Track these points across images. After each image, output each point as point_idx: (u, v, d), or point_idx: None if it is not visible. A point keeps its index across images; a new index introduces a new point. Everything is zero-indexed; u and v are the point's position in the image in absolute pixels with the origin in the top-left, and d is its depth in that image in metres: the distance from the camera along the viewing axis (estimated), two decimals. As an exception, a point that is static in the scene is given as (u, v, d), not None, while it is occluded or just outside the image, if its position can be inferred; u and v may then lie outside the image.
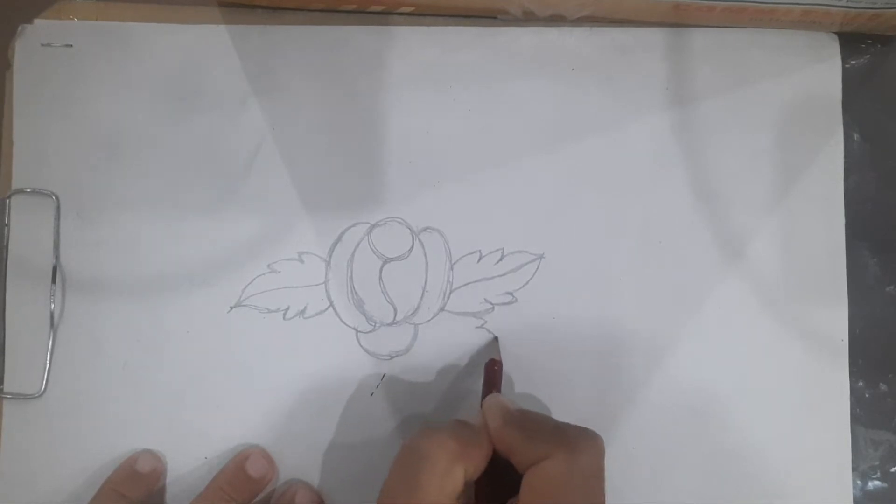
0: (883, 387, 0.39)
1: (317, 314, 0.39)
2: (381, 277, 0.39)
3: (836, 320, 0.39)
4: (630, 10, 0.39)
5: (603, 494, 0.31)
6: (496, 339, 0.39)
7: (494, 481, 0.32)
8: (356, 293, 0.39)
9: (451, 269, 0.39)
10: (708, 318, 0.39)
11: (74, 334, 0.39)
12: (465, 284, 0.39)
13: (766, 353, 0.39)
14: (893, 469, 0.39)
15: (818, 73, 0.40)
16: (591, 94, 0.40)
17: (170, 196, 0.39)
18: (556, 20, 0.40)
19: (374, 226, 0.39)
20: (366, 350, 0.39)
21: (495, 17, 0.40)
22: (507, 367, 0.38)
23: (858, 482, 0.39)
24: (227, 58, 0.40)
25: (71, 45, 0.39)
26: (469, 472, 0.31)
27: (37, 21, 0.39)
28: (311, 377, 0.38)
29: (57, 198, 0.39)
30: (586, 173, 0.40)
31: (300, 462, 0.38)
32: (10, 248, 0.39)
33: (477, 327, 0.39)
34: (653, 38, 0.40)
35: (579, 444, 0.31)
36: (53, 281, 0.38)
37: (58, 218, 0.39)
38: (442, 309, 0.39)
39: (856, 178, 0.40)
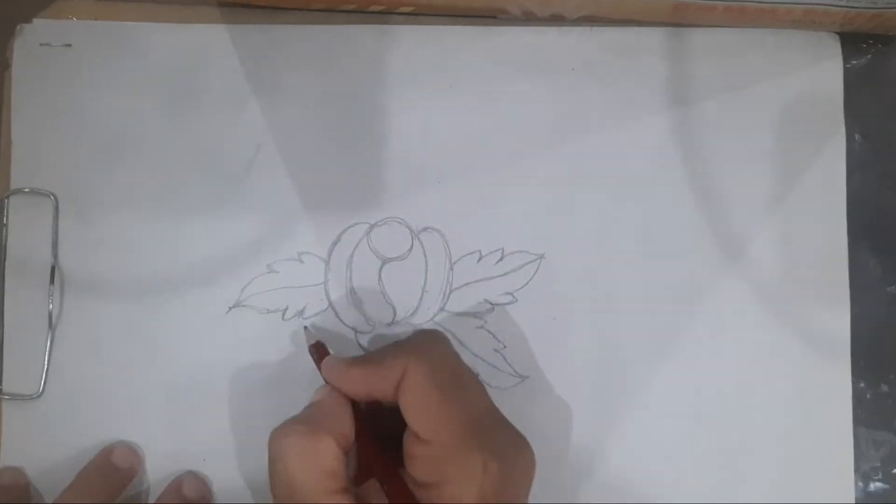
0: (885, 387, 0.39)
1: (316, 314, 0.39)
2: (380, 277, 0.39)
3: (837, 321, 0.39)
4: (630, 10, 0.39)
5: (471, 383, 0.33)
6: (305, 327, 0.38)
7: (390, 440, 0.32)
8: (355, 293, 0.39)
9: (451, 269, 0.39)
10: (708, 319, 0.39)
11: (73, 334, 0.38)
12: (464, 284, 0.39)
13: (767, 353, 0.39)
14: (895, 470, 0.39)
15: (819, 73, 0.40)
16: (591, 93, 0.40)
17: (170, 196, 0.39)
18: (555, 20, 0.40)
19: (373, 226, 0.39)
20: (365, 350, 0.39)
21: (495, 17, 0.40)
22: (508, 368, 0.39)
23: (860, 483, 0.38)
24: (227, 58, 0.40)
25: (70, 45, 0.39)
26: (340, 439, 0.31)
27: (36, 21, 0.39)
28: (311, 377, 0.38)
29: (55, 198, 0.39)
30: (586, 173, 0.40)
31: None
32: (8, 248, 0.39)
33: (477, 327, 0.39)
34: (653, 38, 0.40)
35: (422, 344, 0.33)
36: (52, 281, 0.38)
37: (56, 218, 0.39)
38: (441, 309, 0.39)
39: (857, 178, 0.40)
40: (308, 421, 0.32)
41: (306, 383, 0.38)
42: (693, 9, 0.38)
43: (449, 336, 0.39)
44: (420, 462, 0.31)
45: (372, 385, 0.32)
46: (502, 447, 0.31)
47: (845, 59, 0.40)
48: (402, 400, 0.31)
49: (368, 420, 0.33)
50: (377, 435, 0.33)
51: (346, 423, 0.32)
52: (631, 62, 0.40)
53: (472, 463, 0.30)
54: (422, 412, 0.31)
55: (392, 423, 0.32)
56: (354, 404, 0.33)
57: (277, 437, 0.31)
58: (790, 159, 0.40)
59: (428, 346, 0.33)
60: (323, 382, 0.35)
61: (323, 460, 0.31)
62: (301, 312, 0.39)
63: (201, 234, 0.39)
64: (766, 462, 0.38)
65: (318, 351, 0.36)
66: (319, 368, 0.35)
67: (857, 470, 0.38)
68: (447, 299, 0.39)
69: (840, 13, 0.38)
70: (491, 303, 0.39)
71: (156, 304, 0.39)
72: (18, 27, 0.39)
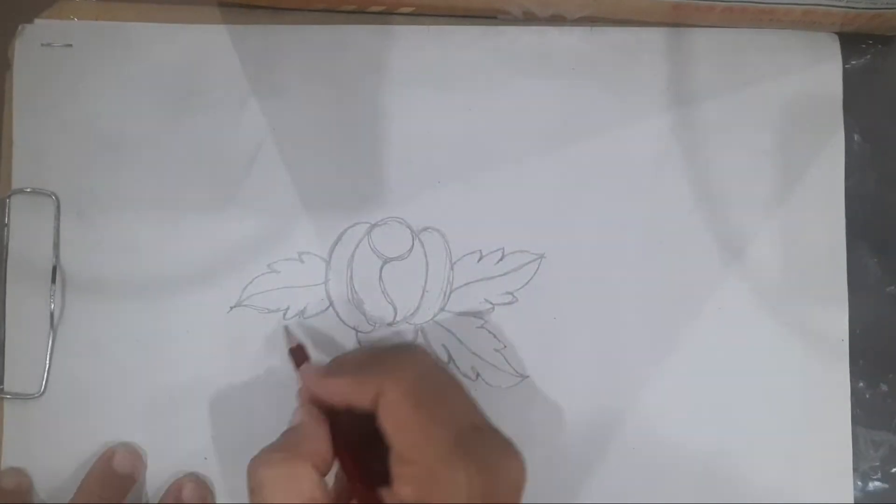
0: (883, 387, 0.39)
1: (317, 314, 0.39)
2: (381, 277, 0.39)
3: (836, 320, 0.39)
4: (630, 10, 0.39)
5: (453, 394, 0.33)
6: (285, 327, 0.38)
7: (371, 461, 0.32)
8: (356, 293, 0.39)
9: (452, 269, 0.39)
10: (708, 318, 0.39)
11: (74, 334, 0.39)
12: (465, 284, 0.39)
13: (766, 353, 0.39)
14: (894, 470, 0.39)
15: (819, 73, 0.40)
16: (592, 93, 0.40)
17: (170, 196, 0.39)
18: (556, 20, 0.40)
19: (374, 226, 0.39)
20: (366, 350, 0.39)
21: (495, 17, 0.40)
22: (508, 367, 0.39)
23: (859, 483, 0.39)
24: (227, 58, 0.40)
25: (71, 45, 0.39)
26: (319, 463, 0.31)
27: (37, 21, 0.39)
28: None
29: (57, 198, 0.39)
30: (587, 173, 0.40)
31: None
32: (9, 248, 0.39)
33: (477, 327, 0.39)
34: (653, 38, 0.40)
35: (398, 361, 0.33)
36: (53, 281, 0.38)
37: (58, 218, 0.39)
38: (442, 309, 0.39)
39: (856, 178, 0.40)
40: (285, 448, 0.32)
41: (307, 383, 0.38)
42: (693, 9, 0.38)
43: (449, 336, 0.39)
44: (405, 481, 0.30)
45: (348, 397, 0.32)
46: (487, 461, 0.31)
47: (845, 60, 0.40)
48: (382, 420, 0.31)
49: (349, 429, 0.32)
50: (359, 441, 0.32)
51: (323, 446, 0.32)
52: (631, 62, 0.40)
53: (456, 481, 0.29)
54: (402, 432, 0.30)
55: (372, 430, 0.32)
56: (334, 414, 0.33)
57: (256, 466, 0.31)
58: (789, 159, 0.40)
59: (404, 363, 0.33)
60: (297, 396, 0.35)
61: (302, 487, 0.30)
62: (302, 312, 0.39)
63: (202, 234, 0.39)
64: (766, 462, 0.38)
65: (298, 355, 0.36)
66: (298, 372, 0.35)
67: (855, 469, 0.39)
68: (448, 299, 0.39)
69: (840, 14, 0.38)
70: (491, 302, 0.39)
71: (157, 304, 0.39)
72: (20, 27, 0.39)
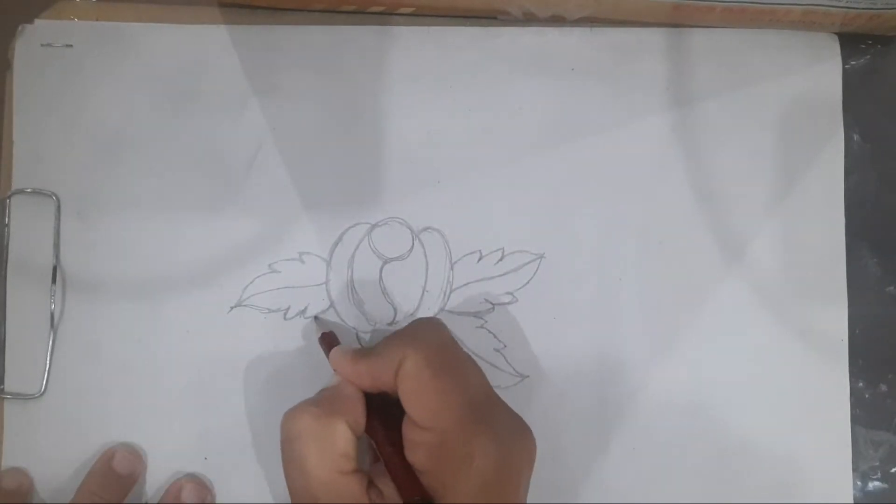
0: (883, 387, 0.39)
1: (317, 314, 0.39)
2: (381, 277, 0.39)
3: (836, 320, 0.39)
4: (630, 11, 0.39)
5: (469, 368, 0.33)
6: (316, 317, 0.39)
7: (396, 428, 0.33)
8: (356, 293, 0.39)
9: (452, 269, 0.39)
10: (708, 318, 0.39)
11: (74, 334, 0.39)
12: (465, 284, 0.39)
13: (766, 353, 0.39)
14: (894, 470, 0.39)
15: (818, 73, 0.40)
16: (592, 94, 0.40)
17: (170, 196, 0.39)
18: (555, 21, 0.40)
19: (374, 226, 0.39)
20: (366, 350, 0.39)
21: (495, 18, 0.40)
22: (508, 367, 0.39)
23: (858, 483, 0.39)
24: (227, 58, 0.40)
25: (71, 46, 0.39)
26: (353, 424, 0.32)
27: (37, 21, 0.39)
28: (312, 377, 0.38)
29: (57, 198, 0.39)
30: (587, 173, 0.40)
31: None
32: (10, 248, 0.39)
33: (477, 327, 0.39)
34: (653, 39, 0.40)
35: (419, 332, 0.34)
36: (53, 281, 0.38)
37: (58, 218, 0.39)
38: (442, 309, 0.39)
39: (856, 178, 0.40)
40: (322, 403, 0.32)
41: (308, 382, 0.38)
42: (693, 9, 0.38)
43: (449, 336, 0.39)
44: (419, 449, 0.31)
45: (374, 376, 0.33)
46: (501, 432, 0.31)
47: (844, 60, 0.40)
48: (400, 387, 0.32)
49: (379, 409, 0.33)
50: (388, 424, 0.33)
51: (357, 409, 0.33)
52: (631, 63, 0.40)
53: (471, 448, 0.30)
54: (418, 399, 0.31)
55: (400, 413, 0.32)
56: (367, 394, 0.34)
57: (291, 418, 0.32)
58: (789, 159, 0.40)
59: (424, 333, 0.34)
60: (332, 373, 0.35)
61: (336, 442, 0.31)
62: (303, 312, 0.39)
63: (202, 234, 0.39)
64: (765, 462, 0.39)
65: (328, 342, 0.36)
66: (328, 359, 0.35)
67: (855, 469, 0.39)
68: (447, 299, 0.39)
69: (839, 14, 0.38)
70: (491, 302, 0.39)
71: (157, 304, 0.39)
72: (20, 27, 0.39)
